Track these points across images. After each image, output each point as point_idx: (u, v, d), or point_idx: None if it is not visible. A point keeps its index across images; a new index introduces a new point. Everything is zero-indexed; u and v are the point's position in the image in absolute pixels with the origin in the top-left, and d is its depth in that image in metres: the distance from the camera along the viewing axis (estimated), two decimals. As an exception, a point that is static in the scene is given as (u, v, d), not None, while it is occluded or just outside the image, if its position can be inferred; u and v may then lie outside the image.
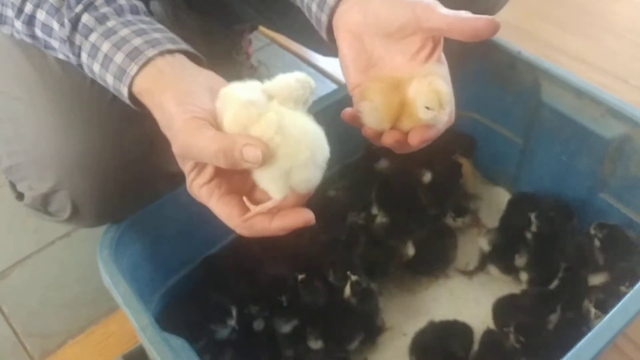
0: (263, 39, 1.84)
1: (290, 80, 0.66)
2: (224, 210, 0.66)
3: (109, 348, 1.14)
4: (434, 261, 1.18)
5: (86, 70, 0.75)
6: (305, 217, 0.64)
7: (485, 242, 1.17)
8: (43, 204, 0.88)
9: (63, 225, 0.91)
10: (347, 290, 1.05)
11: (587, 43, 1.71)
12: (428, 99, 0.68)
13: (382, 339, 1.10)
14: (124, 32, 0.71)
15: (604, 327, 0.80)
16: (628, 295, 0.82)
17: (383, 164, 1.24)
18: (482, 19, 0.66)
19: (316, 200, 1.14)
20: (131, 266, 0.92)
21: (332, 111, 1.11)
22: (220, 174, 0.66)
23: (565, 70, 1.09)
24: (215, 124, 0.64)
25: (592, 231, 1.08)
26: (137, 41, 0.70)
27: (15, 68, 0.85)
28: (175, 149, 0.66)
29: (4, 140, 0.85)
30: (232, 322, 1.02)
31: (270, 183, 0.65)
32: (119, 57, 0.70)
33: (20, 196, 0.92)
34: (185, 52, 0.73)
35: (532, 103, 1.15)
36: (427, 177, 1.22)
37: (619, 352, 1.08)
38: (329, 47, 0.78)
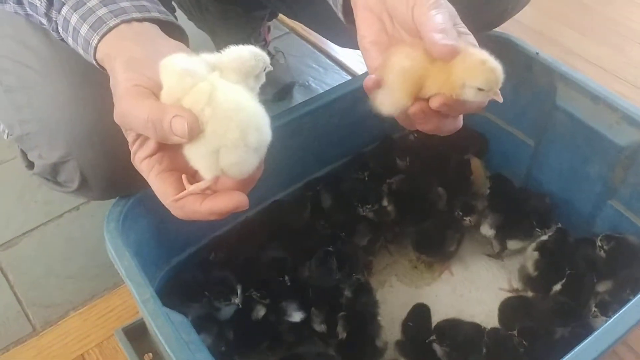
0: (282, 28, 1.85)
1: (243, 52, 0.64)
2: (160, 187, 0.64)
3: (110, 322, 1.15)
4: (435, 246, 1.18)
5: (70, 45, 0.74)
6: (237, 200, 0.61)
7: (487, 227, 1.17)
8: (52, 174, 0.88)
9: (72, 196, 0.92)
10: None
11: (608, 51, 1.69)
12: (486, 80, 0.64)
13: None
14: (93, 2, 0.70)
15: (605, 331, 0.80)
16: (631, 302, 0.82)
17: (399, 161, 1.25)
18: (439, 45, 0.64)
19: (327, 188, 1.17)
20: (137, 242, 0.93)
21: (347, 101, 1.13)
22: (163, 148, 0.64)
23: (582, 75, 1.09)
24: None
25: (599, 242, 1.08)
26: (102, 11, 0.69)
27: (29, 38, 0.86)
28: (115, 116, 0.64)
29: (16, 108, 0.86)
30: (237, 300, 1.01)
31: (199, 161, 0.61)
32: (84, 29, 0.69)
33: (30, 165, 0.92)
34: (159, 22, 0.72)
35: (546, 106, 1.14)
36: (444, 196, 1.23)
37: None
38: (348, 37, 0.77)
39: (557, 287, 1.06)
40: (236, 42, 0.66)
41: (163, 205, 0.96)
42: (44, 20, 0.76)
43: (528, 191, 1.23)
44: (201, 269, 1.07)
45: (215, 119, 0.59)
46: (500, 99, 0.68)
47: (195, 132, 0.59)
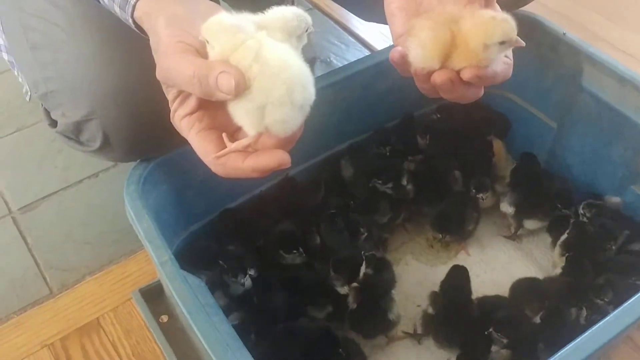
0: (305, 4, 1.83)
1: (286, 12, 0.64)
2: (201, 144, 0.64)
3: (125, 287, 1.16)
4: (454, 225, 1.17)
5: (101, 3, 0.74)
6: (280, 158, 0.61)
7: (507, 205, 1.16)
8: (75, 132, 0.89)
9: (93, 156, 0.92)
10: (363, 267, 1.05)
11: (635, 37, 1.66)
12: (503, 32, 0.65)
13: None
14: None
15: (621, 313, 0.80)
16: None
17: (420, 139, 1.25)
18: None
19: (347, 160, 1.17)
20: (156, 206, 0.93)
21: (368, 76, 1.12)
22: (204, 107, 0.64)
23: (609, 56, 1.07)
24: (204, 54, 0.62)
25: (581, 210, 1.09)
26: None
27: None
28: (158, 72, 0.64)
29: (41, 66, 0.86)
30: (244, 280, 1.00)
31: (244, 117, 0.62)
32: None
33: (53, 123, 0.93)
34: None
35: (571, 87, 1.13)
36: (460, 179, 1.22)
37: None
38: (373, 10, 0.76)
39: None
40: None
41: (182, 172, 0.97)
42: None
43: (549, 173, 1.22)
44: (217, 239, 1.07)
45: (262, 75, 0.59)
46: (523, 44, 0.68)
47: (241, 88, 0.58)
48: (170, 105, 0.66)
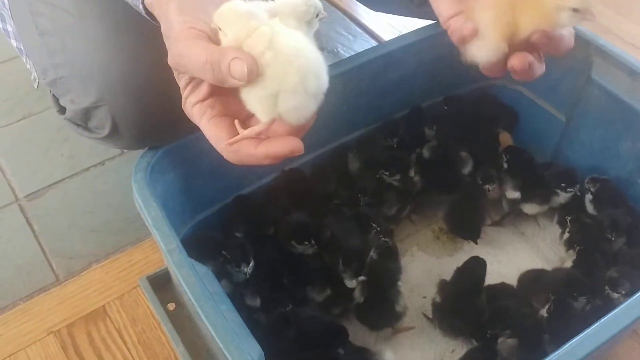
0: (313, -6, 1.82)
1: None
2: (213, 131, 0.64)
3: (131, 276, 1.16)
4: (466, 222, 1.17)
5: None
6: (293, 145, 0.61)
7: (512, 191, 1.16)
8: (83, 119, 0.88)
9: (101, 143, 0.92)
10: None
11: (644, 30, 1.66)
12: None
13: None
14: None
15: (628, 307, 0.80)
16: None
17: (428, 130, 1.24)
18: None
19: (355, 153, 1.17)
20: (163, 194, 0.93)
21: (376, 66, 1.12)
22: (216, 93, 0.64)
23: (620, 49, 1.06)
24: (216, 40, 0.62)
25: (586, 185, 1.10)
26: None
27: None
28: (170, 59, 0.64)
29: (50, 52, 0.85)
30: (247, 269, 1.00)
31: (257, 104, 0.61)
32: None
33: (62, 110, 0.92)
34: None
35: (580, 80, 1.12)
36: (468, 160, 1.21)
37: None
38: (380, 0, 0.76)
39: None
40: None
41: (190, 160, 0.97)
42: None
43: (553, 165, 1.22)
44: (223, 227, 1.07)
45: (276, 63, 0.59)
46: (595, 17, 0.68)
47: (253, 75, 0.58)
48: (181, 92, 0.66)
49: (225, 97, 0.64)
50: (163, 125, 0.86)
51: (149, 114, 0.84)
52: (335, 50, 1.65)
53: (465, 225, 1.17)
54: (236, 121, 0.63)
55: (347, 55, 1.59)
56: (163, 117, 0.85)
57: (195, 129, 0.68)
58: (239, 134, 0.63)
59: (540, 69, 0.73)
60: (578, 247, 1.06)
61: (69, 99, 0.87)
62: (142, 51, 0.79)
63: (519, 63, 0.67)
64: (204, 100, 0.64)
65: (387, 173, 1.15)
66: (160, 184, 0.92)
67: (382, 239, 1.05)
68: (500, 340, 0.93)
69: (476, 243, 1.17)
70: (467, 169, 1.20)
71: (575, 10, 0.65)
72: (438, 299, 1.03)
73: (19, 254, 1.23)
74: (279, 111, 0.61)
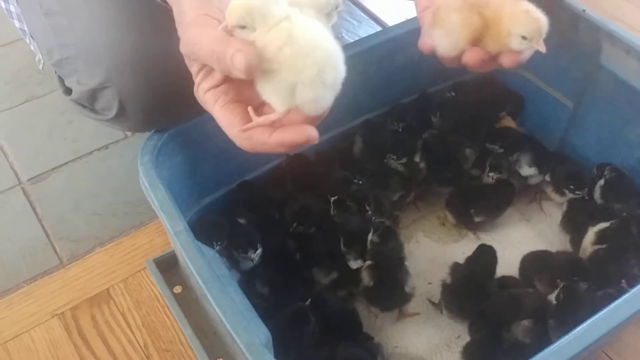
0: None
1: None
2: (227, 117, 0.63)
3: (135, 259, 1.16)
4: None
5: None
6: (308, 133, 0.60)
7: (527, 167, 1.18)
8: (90, 100, 0.87)
9: (107, 125, 0.91)
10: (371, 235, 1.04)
11: (652, 17, 1.64)
12: (528, 29, 0.68)
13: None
14: None
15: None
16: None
17: (433, 116, 1.23)
18: None
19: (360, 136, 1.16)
20: (169, 177, 0.92)
21: (383, 50, 1.11)
22: (230, 80, 0.63)
23: (630, 34, 1.05)
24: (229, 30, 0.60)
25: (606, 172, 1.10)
26: None
27: None
28: (182, 46, 0.63)
29: (56, 32, 0.84)
30: (254, 255, 0.99)
31: (273, 95, 0.61)
32: None
33: (67, 91, 0.91)
34: None
35: (589, 66, 1.11)
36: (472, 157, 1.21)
37: None
38: None
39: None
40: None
41: (196, 144, 0.96)
42: None
43: (563, 154, 1.22)
44: (229, 212, 1.07)
45: (294, 55, 0.58)
46: (543, 49, 0.71)
47: (253, 69, 0.57)
48: (194, 79, 0.65)
49: (238, 83, 0.63)
50: (170, 107, 0.85)
51: (157, 96, 0.83)
52: (340, 35, 1.63)
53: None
54: (250, 108, 0.63)
55: (352, 41, 1.58)
56: (170, 99, 0.84)
57: (202, 112, 0.68)
58: (252, 120, 0.62)
59: (491, 65, 0.75)
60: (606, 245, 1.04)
61: (75, 80, 0.86)
62: (151, 32, 0.78)
63: (471, 59, 0.70)
64: (217, 86, 0.64)
65: (394, 157, 1.15)
66: (166, 167, 0.92)
67: (376, 220, 1.05)
68: (514, 324, 0.93)
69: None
70: (469, 165, 1.21)
71: (523, 37, 0.69)
72: (449, 280, 1.03)
73: (22, 237, 1.22)
74: (296, 103, 0.60)
